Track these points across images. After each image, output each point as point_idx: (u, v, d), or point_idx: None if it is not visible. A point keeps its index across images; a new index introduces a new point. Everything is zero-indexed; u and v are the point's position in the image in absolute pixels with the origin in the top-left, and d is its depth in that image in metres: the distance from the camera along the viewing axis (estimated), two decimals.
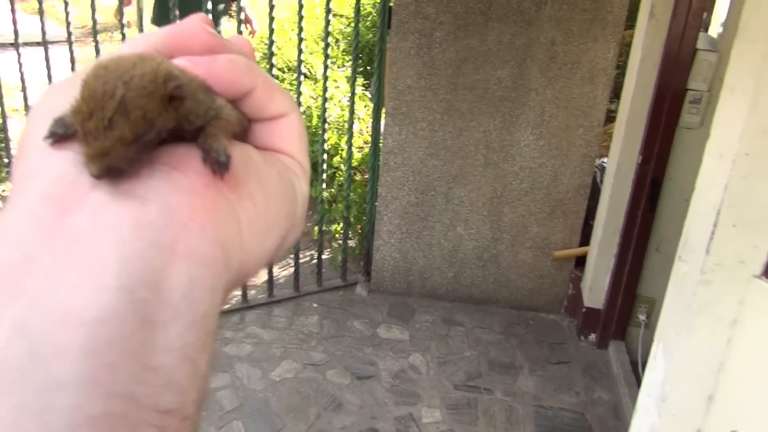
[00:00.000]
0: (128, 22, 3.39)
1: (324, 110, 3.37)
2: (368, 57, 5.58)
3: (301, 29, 3.18)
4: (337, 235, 3.97)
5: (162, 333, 0.26)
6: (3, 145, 4.09)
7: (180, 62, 0.32)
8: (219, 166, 0.31)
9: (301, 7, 3.18)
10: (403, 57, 3.27)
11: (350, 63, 4.92)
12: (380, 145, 3.48)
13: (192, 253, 0.28)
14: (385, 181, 3.47)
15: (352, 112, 3.45)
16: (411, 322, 3.45)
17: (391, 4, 3.25)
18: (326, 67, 3.32)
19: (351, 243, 3.85)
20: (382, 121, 3.46)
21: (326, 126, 3.38)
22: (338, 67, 5.18)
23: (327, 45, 3.29)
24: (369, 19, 5.70)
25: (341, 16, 6.33)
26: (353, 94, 3.41)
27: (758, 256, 1.65)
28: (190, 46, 0.34)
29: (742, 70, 1.62)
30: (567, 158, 3.32)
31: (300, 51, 3.24)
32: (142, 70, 0.30)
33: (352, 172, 3.61)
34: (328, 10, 3.24)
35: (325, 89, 3.36)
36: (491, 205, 3.44)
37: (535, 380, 3.05)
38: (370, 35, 5.60)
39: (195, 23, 0.35)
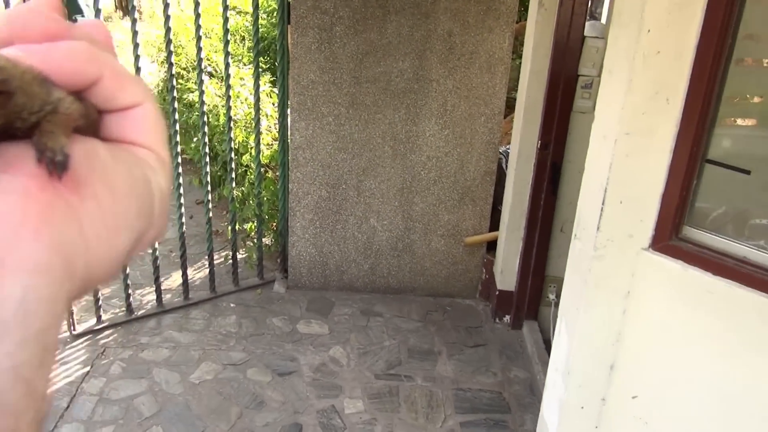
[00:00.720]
0: None
1: (229, 108, 3.34)
2: (275, 53, 5.55)
3: (198, 27, 3.14)
4: (251, 234, 3.94)
5: None
6: None
7: (11, 51, 0.30)
8: (56, 166, 0.29)
9: (197, 4, 3.14)
10: (305, 52, 3.28)
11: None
12: (288, 141, 3.48)
13: (25, 263, 0.26)
14: (295, 177, 3.47)
15: (257, 109, 3.43)
16: (330, 315, 3.47)
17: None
18: (227, 65, 3.29)
19: (266, 241, 3.84)
20: (289, 118, 3.46)
21: (232, 124, 3.34)
22: (244, 64, 5.13)
23: (227, 42, 3.26)
24: (274, 15, 5.65)
25: (246, 13, 6.26)
26: (257, 91, 3.39)
27: (645, 229, 1.75)
28: (29, 33, 0.31)
29: (618, 54, 1.71)
30: (472, 146, 3.41)
31: (199, 49, 3.20)
32: None
33: (262, 169, 3.59)
34: (226, 7, 3.21)
35: (227, 87, 3.33)
36: (402, 195, 3.49)
37: (453, 364, 3.13)
38: (275, 31, 5.57)
39: (37, 6, 0.32)
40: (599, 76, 2.92)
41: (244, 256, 3.96)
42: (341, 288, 3.67)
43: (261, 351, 3.17)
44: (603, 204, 1.74)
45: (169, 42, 3.12)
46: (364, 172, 3.46)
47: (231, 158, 3.41)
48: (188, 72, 5.05)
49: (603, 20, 3.57)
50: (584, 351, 1.90)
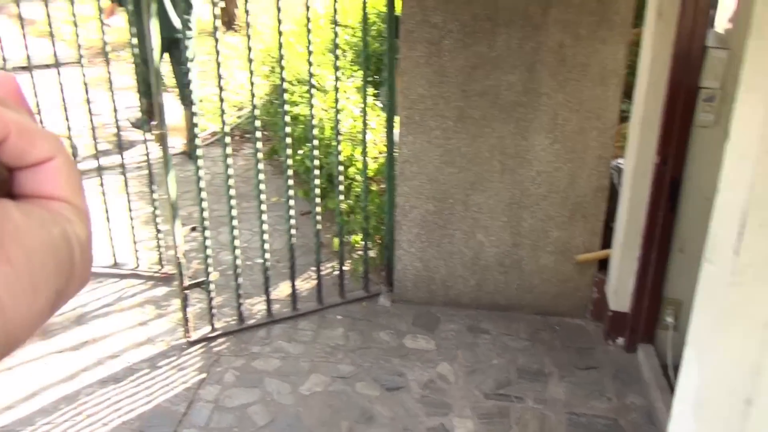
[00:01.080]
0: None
1: (337, 122, 3.39)
2: (376, 66, 5.60)
3: (309, 42, 3.21)
4: (356, 246, 3.98)
5: None
6: None
7: None
8: None
9: (308, 20, 3.18)
10: (413, 66, 3.28)
11: (359, 73, 4.94)
12: (395, 154, 3.49)
13: None
14: (402, 190, 3.48)
15: (365, 122, 3.47)
16: (436, 331, 3.45)
17: (398, 13, 3.26)
18: (337, 78, 3.34)
19: (371, 253, 3.86)
20: (396, 131, 3.47)
21: (339, 138, 3.39)
22: (347, 78, 5.19)
23: (336, 57, 3.31)
24: (374, 28, 5.71)
25: (345, 26, 6.35)
26: (365, 104, 3.42)
27: None
28: None
29: (758, 69, 1.61)
30: (583, 161, 3.32)
31: (310, 64, 3.26)
32: None
33: (368, 182, 3.62)
34: (335, 21, 3.26)
35: (336, 100, 3.38)
36: (510, 210, 3.44)
37: (565, 387, 3.04)
38: (377, 44, 5.62)
39: None
40: (722, 88, 2.79)
41: (348, 268, 4.00)
42: (447, 303, 3.64)
43: (369, 365, 3.19)
44: (742, 228, 1.64)
45: (281, 58, 3.19)
46: (472, 186, 3.42)
47: (339, 171, 3.46)
48: (292, 85, 5.16)
49: (717, 28, 3.40)
50: (717, 383, 1.80)
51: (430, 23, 3.19)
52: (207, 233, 3.30)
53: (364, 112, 3.43)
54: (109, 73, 3.62)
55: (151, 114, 5.99)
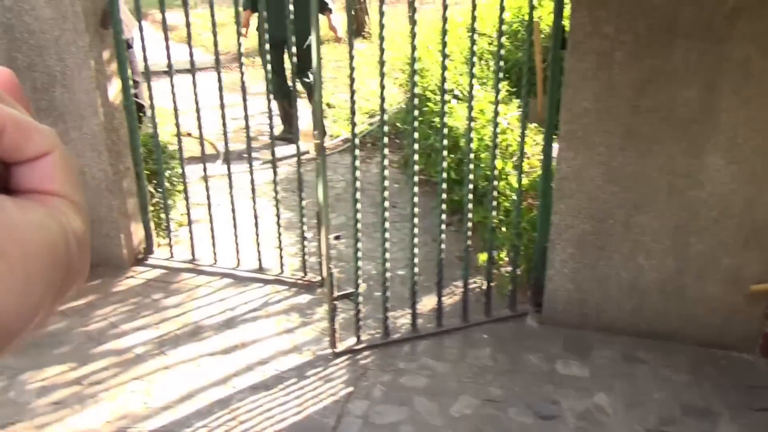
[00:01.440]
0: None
1: (495, 135, 3.28)
2: (516, 76, 5.46)
3: (444, 45, 3.11)
4: (501, 263, 3.85)
5: None
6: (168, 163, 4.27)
7: None
8: None
9: (445, 32, 3.05)
10: (579, 79, 3.12)
11: (501, 83, 4.81)
12: (552, 170, 3.34)
13: None
14: (558, 208, 3.32)
15: (523, 136, 3.34)
16: (589, 357, 3.27)
17: (565, 23, 3.12)
18: (498, 91, 3.23)
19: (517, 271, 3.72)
20: (554, 146, 3.32)
21: (497, 152, 3.28)
22: (491, 88, 5.08)
23: (499, 69, 3.20)
24: (517, 37, 5.57)
25: (483, 34, 6.23)
26: (525, 118, 3.30)
27: None
28: None
29: None
30: (764, 184, 3.05)
31: (444, 68, 3.11)
32: None
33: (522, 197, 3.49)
34: (501, 33, 3.15)
35: (496, 113, 3.27)
36: (676, 234, 3.21)
37: (737, 429, 2.80)
38: (519, 54, 5.48)
39: None
40: None
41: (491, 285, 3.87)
42: (599, 328, 3.45)
43: (519, 389, 3.06)
44: None
45: (413, 62, 3.08)
46: (635, 207, 3.22)
47: (493, 186, 3.34)
48: (435, 94, 5.09)
49: None
50: None
51: (601, 34, 3.03)
52: (359, 244, 3.26)
53: (523, 125, 3.30)
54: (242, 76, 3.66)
55: (287, 121, 6.12)
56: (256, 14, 5.65)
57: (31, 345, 3.30)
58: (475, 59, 3.21)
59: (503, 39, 3.42)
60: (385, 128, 3.17)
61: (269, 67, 3.66)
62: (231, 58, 8.69)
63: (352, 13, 5.37)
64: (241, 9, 5.44)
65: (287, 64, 5.86)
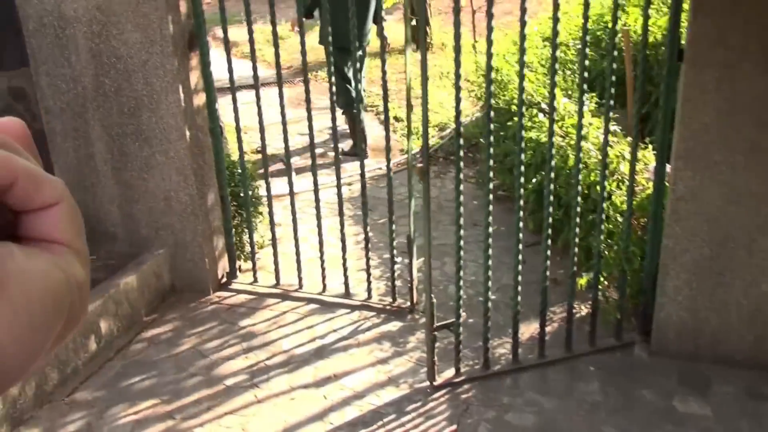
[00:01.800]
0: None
1: (605, 153, 3.07)
2: (601, 87, 5.21)
3: (523, 52, 2.91)
4: (602, 288, 3.61)
5: None
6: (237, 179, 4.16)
7: None
8: None
9: (523, 38, 2.82)
10: (699, 92, 2.89)
11: (588, 95, 4.58)
12: (665, 190, 3.11)
13: None
14: (672, 231, 3.09)
15: (634, 155, 3.12)
16: (709, 393, 3.02)
17: (682, 31, 2.89)
18: (602, 106, 3.01)
19: None
20: (669, 165, 3.09)
21: (607, 172, 3.07)
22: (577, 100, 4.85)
23: (583, 82, 2.98)
24: (602, 46, 5.32)
25: (561, 43, 5.99)
26: (637, 136, 3.07)
27: None
28: None
29: None
30: None
31: (521, 77, 2.89)
32: None
33: (630, 220, 3.26)
34: (585, 44, 2.94)
35: (606, 132, 3.05)
36: None
37: None
38: (604, 64, 5.23)
39: None
40: None
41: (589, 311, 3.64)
42: (717, 360, 3.19)
43: (638, 429, 2.83)
44: None
45: (489, 82, 2.88)
46: (760, 229, 2.97)
47: (602, 208, 3.13)
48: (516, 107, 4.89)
49: None
50: None
51: (725, 45, 2.79)
52: (461, 273, 3.08)
53: (635, 142, 3.08)
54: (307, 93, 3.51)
55: (354, 136, 5.98)
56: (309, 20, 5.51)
57: (120, 375, 3.21)
58: (557, 66, 2.99)
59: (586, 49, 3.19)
60: (461, 141, 2.97)
61: (334, 72, 3.56)
62: (292, 72, 8.64)
63: (413, 23, 5.23)
64: (295, 17, 5.33)
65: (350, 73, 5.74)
